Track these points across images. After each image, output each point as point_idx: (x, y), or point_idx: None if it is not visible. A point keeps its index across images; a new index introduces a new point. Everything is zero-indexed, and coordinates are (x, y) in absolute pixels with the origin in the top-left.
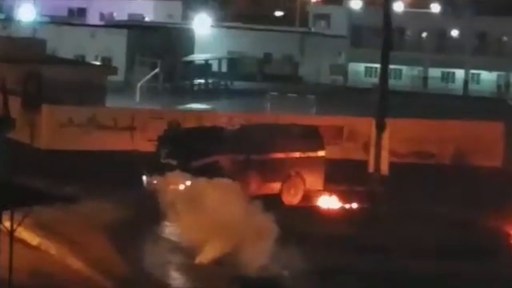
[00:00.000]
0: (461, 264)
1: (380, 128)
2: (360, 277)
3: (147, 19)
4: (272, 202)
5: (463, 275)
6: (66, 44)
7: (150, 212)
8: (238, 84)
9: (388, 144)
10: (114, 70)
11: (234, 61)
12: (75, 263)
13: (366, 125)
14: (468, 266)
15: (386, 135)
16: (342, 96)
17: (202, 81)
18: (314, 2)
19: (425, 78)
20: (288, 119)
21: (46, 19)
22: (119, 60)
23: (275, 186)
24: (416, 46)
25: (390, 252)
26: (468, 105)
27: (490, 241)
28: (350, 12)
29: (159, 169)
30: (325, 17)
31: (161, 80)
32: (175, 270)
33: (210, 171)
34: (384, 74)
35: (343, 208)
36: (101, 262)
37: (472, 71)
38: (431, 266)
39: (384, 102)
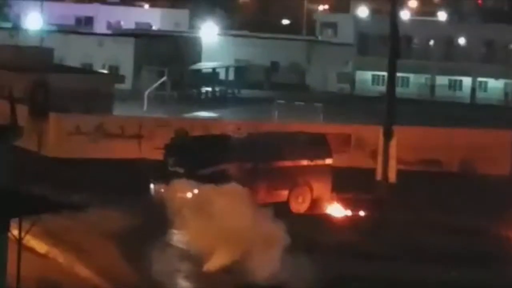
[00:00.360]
0: (468, 271)
1: (388, 136)
2: (367, 285)
3: (154, 27)
4: (279, 210)
5: (470, 282)
6: (73, 52)
7: (158, 220)
8: (245, 92)
9: (396, 152)
10: (121, 79)
11: (241, 69)
12: (83, 271)
13: (373, 133)
14: (476, 273)
15: (393, 143)
16: (349, 104)
17: (209, 89)
18: (321, 11)
19: (433, 86)
20: (295, 127)
21: (53, 28)
22: (126, 69)
23: (283, 194)
24: (423, 54)
25: (397, 260)
26: (476, 113)
27: (498, 248)
28: (357, 21)
29: (166, 177)
30: (332, 25)
31: (168, 88)
32: (183, 278)
33: (217, 179)
34: (392, 82)
35: (350, 216)
36: (109, 270)
37: (480, 79)
38: (439, 273)
39: (391, 110)
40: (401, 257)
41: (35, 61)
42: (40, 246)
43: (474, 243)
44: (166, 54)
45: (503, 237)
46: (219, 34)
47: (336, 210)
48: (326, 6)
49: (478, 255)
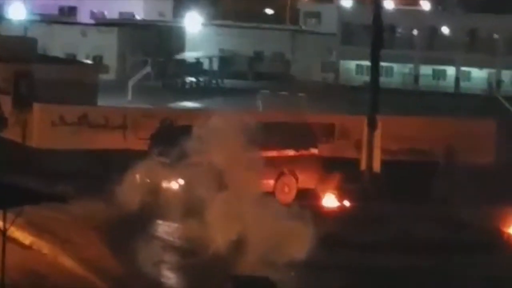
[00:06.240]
0: (453, 260)
1: (372, 125)
2: (348, 273)
3: (138, 17)
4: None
5: (454, 271)
6: (57, 42)
7: (143, 210)
8: (229, 82)
9: (380, 142)
10: (105, 69)
11: (225, 59)
12: (68, 262)
13: (357, 122)
14: (460, 262)
15: (377, 133)
16: (333, 94)
17: (193, 79)
18: (305, 0)
19: (416, 76)
20: (280, 117)
21: (37, 17)
22: (110, 59)
23: (268, 184)
24: (407, 44)
25: (380, 249)
26: (459, 102)
27: (482, 237)
28: (341, 10)
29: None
30: (316, 14)
31: (152, 78)
32: (168, 269)
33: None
34: (375, 71)
35: (335, 206)
36: (94, 261)
37: (463, 68)
38: (422, 262)
39: (375, 99)
40: (385, 246)
41: (18, 51)
42: (24, 237)
43: (458, 232)
44: (150, 44)
45: (487, 226)
46: (203, 24)
47: (321, 200)
48: None
49: (462, 244)
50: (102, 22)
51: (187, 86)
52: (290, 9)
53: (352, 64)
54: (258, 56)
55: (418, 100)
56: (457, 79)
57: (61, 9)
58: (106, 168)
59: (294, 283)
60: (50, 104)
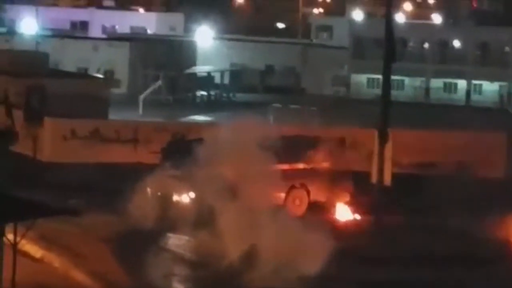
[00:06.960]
0: (463, 273)
1: (383, 139)
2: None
3: (149, 31)
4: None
5: (464, 283)
6: (68, 57)
7: (153, 223)
8: (240, 96)
9: (391, 155)
10: (116, 83)
11: (236, 73)
12: (79, 276)
13: (368, 136)
14: (470, 275)
15: (388, 146)
16: (344, 108)
17: (205, 93)
18: (316, 14)
19: (427, 89)
20: (291, 130)
21: (49, 32)
22: (122, 73)
23: (279, 197)
24: (418, 57)
25: (393, 262)
26: (470, 116)
27: (492, 251)
28: (352, 24)
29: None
30: (327, 28)
31: (163, 92)
32: (179, 282)
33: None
34: (387, 85)
35: (346, 219)
36: (105, 274)
37: (474, 81)
38: (435, 276)
39: (386, 113)
40: (397, 259)
41: (30, 65)
42: (35, 251)
43: (468, 245)
44: (161, 58)
45: (497, 239)
46: (214, 38)
47: (332, 213)
48: (321, 10)
49: (472, 257)
50: (113, 37)
51: (198, 100)
52: (302, 23)
53: (363, 77)
54: (269, 70)
55: (429, 113)
56: (468, 92)
57: (73, 24)
58: (117, 181)
59: None
60: (61, 118)
